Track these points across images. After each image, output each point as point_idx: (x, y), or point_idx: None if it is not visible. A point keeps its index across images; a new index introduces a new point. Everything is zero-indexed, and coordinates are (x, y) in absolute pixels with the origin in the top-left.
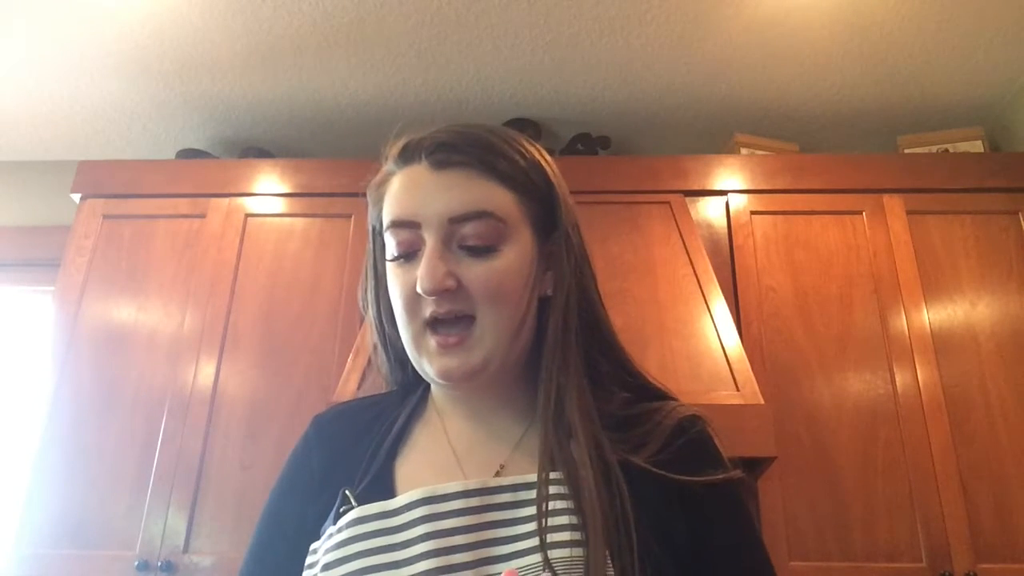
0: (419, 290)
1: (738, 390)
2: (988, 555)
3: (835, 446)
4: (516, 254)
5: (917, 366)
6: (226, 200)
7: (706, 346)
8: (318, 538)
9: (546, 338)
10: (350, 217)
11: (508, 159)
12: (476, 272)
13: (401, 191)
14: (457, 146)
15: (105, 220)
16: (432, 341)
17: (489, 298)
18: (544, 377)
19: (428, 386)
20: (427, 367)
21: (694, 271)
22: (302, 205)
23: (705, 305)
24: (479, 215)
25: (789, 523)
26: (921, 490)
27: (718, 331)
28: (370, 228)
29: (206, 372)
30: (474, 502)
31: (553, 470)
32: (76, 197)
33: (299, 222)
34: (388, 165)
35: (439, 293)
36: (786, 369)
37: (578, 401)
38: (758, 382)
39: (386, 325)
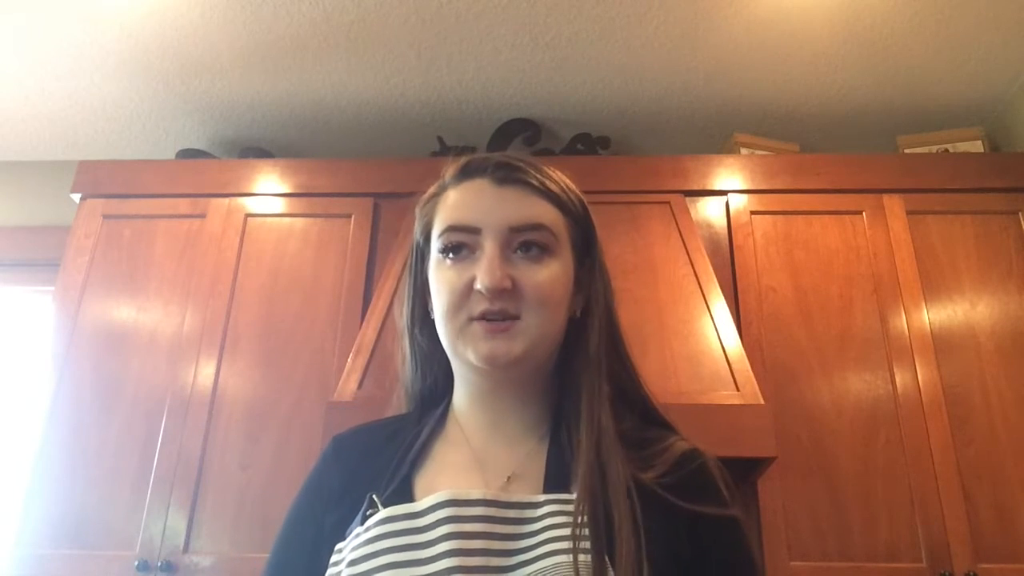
0: (479, 286)
1: (738, 390)
2: (988, 555)
3: (835, 446)
4: (561, 267)
5: (917, 366)
6: (226, 200)
7: (706, 346)
8: (342, 539)
9: (584, 352)
10: (350, 217)
11: (559, 186)
12: (528, 276)
13: (462, 200)
14: (519, 167)
15: (105, 220)
16: (479, 327)
17: (537, 302)
18: (586, 388)
19: (448, 403)
20: (471, 354)
21: (694, 271)
22: (302, 205)
23: (705, 305)
24: (536, 227)
25: (789, 523)
26: (921, 490)
27: (718, 331)
28: (414, 241)
29: (206, 372)
30: (491, 511)
31: (581, 489)
32: (76, 197)
33: (299, 222)
34: (443, 181)
35: (497, 291)
36: (786, 369)
37: (611, 415)
38: (758, 382)
39: (418, 333)
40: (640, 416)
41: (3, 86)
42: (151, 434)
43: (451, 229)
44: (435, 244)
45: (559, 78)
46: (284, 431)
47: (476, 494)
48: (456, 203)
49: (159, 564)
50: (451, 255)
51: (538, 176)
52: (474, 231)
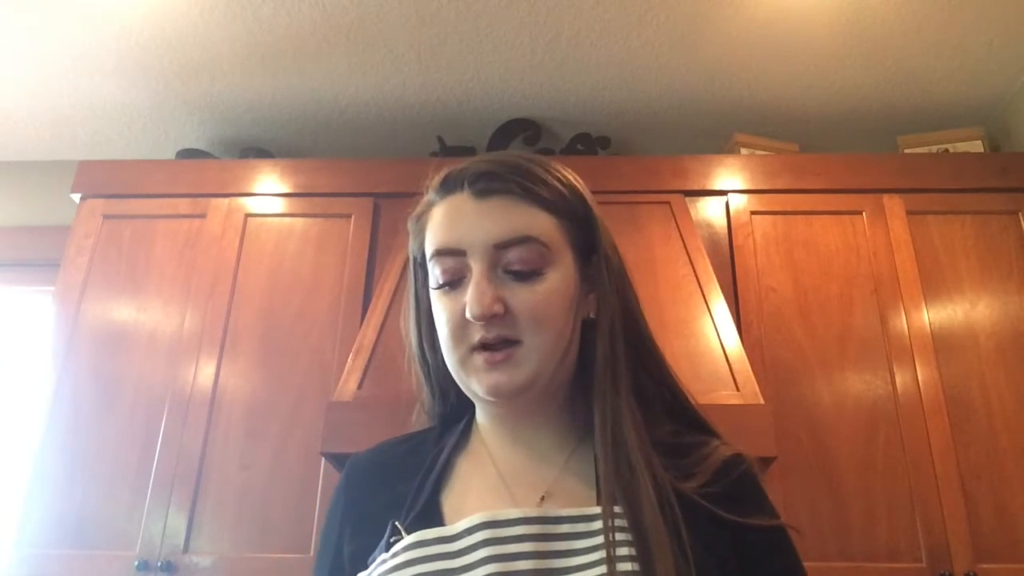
0: (468, 316)
1: (738, 390)
2: (988, 555)
3: (835, 446)
4: (560, 277)
5: (917, 366)
6: (226, 200)
7: (706, 346)
8: (364, 567)
9: (594, 360)
10: (350, 217)
11: (548, 185)
12: (522, 297)
13: (444, 220)
14: (498, 174)
15: (105, 220)
16: (480, 359)
17: (535, 322)
18: (596, 399)
19: (471, 418)
20: (475, 386)
21: (694, 271)
22: (302, 205)
23: (705, 305)
24: (523, 240)
25: (789, 523)
26: (921, 490)
27: (718, 331)
28: (411, 259)
29: (206, 372)
30: (535, 529)
31: (615, 503)
32: (76, 197)
33: (299, 222)
34: (428, 196)
35: (488, 318)
36: (786, 369)
37: (632, 423)
38: (758, 382)
39: (428, 354)
40: (676, 419)
41: (3, 86)
42: (151, 434)
43: (437, 254)
44: (429, 268)
45: (559, 78)
46: (284, 431)
47: (515, 513)
48: (439, 223)
49: (159, 564)
50: (443, 282)
51: (522, 181)
52: (459, 253)
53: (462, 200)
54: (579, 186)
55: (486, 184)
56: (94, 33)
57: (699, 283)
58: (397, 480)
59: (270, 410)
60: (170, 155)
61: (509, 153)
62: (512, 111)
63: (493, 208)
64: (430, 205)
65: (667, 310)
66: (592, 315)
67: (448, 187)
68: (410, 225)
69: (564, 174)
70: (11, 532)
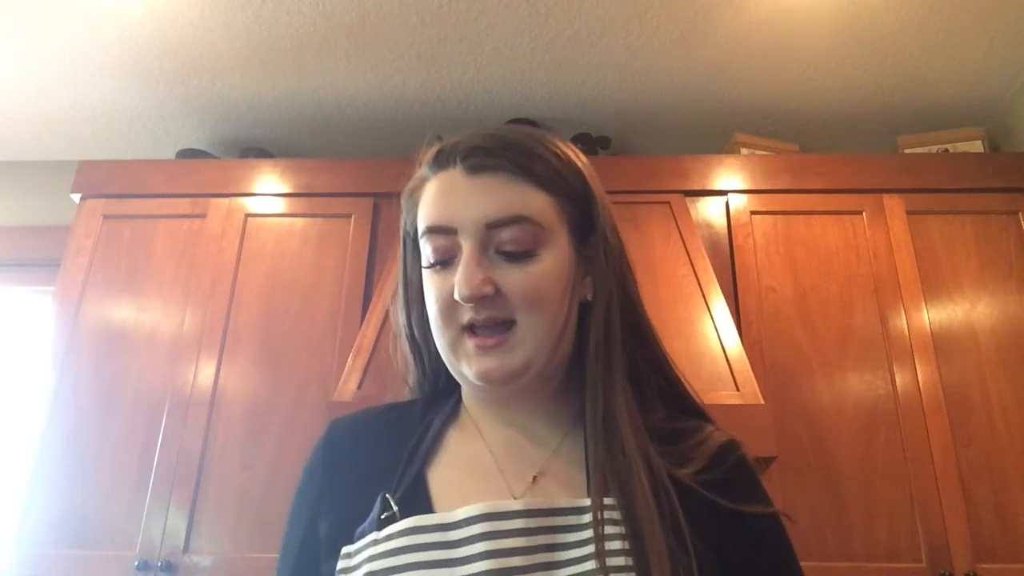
0: (456, 297)
1: (738, 390)
2: (988, 555)
3: (835, 446)
4: (554, 259)
5: (917, 366)
6: (226, 200)
7: (706, 346)
8: (349, 541)
9: (588, 345)
10: (350, 217)
11: (544, 162)
12: (514, 278)
13: (436, 197)
14: (491, 150)
15: (105, 220)
16: (470, 343)
17: (528, 304)
18: (589, 385)
19: (460, 395)
20: (466, 370)
21: (694, 271)
22: (302, 205)
23: (705, 305)
24: (516, 220)
25: (789, 523)
26: (921, 490)
27: (718, 331)
28: (402, 234)
29: (206, 372)
30: (534, 523)
31: (606, 494)
32: (76, 197)
33: (299, 222)
34: (421, 171)
35: (477, 300)
36: (786, 369)
37: (626, 407)
38: (758, 382)
39: (417, 333)
40: (670, 405)
41: (3, 86)
42: (151, 434)
43: (428, 231)
44: (421, 246)
45: (559, 78)
46: (284, 431)
47: (515, 506)
48: (431, 200)
49: (159, 564)
50: (434, 261)
51: (515, 157)
52: (449, 232)
53: (454, 176)
54: (578, 163)
55: (478, 160)
56: (94, 34)
57: (699, 283)
58: (382, 448)
59: (270, 410)
60: (170, 155)
61: (506, 127)
62: (512, 111)
63: (485, 185)
64: (423, 180)
65: (667, 310)
66: (588, 297)
67: (441, 162)
68: (403, 200)
69: (563, 150)
70: (11, 532)
